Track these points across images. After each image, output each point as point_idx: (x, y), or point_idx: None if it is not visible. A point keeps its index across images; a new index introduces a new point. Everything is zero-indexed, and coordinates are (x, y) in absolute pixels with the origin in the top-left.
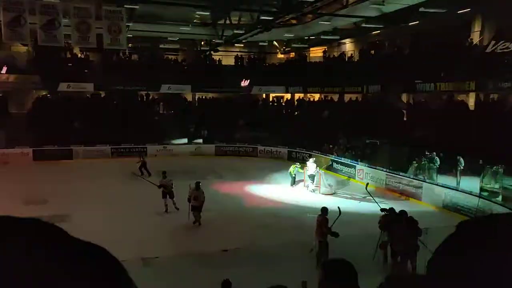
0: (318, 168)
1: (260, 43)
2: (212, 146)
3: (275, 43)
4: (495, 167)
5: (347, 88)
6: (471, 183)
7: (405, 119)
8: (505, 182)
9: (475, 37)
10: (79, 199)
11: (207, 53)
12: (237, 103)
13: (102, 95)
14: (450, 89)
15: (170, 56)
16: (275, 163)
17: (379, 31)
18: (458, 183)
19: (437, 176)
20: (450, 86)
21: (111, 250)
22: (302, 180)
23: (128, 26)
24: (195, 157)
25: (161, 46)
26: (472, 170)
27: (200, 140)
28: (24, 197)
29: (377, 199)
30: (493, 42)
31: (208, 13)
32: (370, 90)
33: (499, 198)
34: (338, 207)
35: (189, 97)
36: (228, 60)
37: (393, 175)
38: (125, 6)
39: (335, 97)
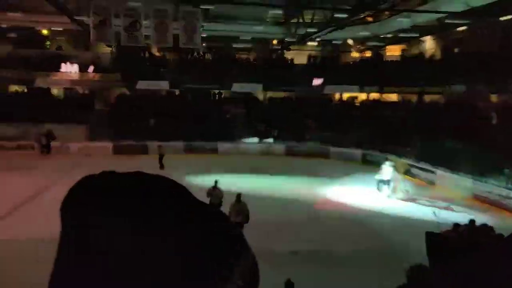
0: (395, 172)
1: (334, 42)
2: (282, 146)
3: (349, 41)
4: None
5: (427, 88)
6: None
7: (493, 122)
8: None
9: None
10: None
11: (279, 52)
12: (308, 103)
13: (177, 93)
14: None
15: (242, 55)
16: (348, 166)
17: (464, 27)
18: None
19: None
20: None
21: None
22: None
23: (202, 26)
24: (264, 157)
25: (234, 45)
26: None
27: (271, 140)
28: None
29: (461, 209)
30: None
31: (281, 12)
32: (453, 90)
33: None
34: (434, 212)
35: (261, 96)
36: (300, 59)
37: (482, 183)
38: (201, 6)
39: (414, 98)
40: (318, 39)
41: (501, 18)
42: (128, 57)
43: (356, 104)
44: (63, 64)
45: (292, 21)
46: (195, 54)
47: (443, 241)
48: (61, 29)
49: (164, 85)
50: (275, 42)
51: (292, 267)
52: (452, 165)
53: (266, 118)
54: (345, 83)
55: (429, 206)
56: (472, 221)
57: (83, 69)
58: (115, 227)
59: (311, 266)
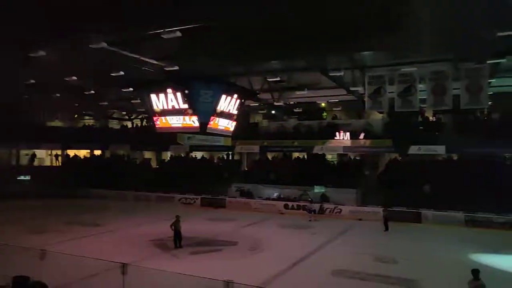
0: None
1: None
2: None
3: None
4: None
5: None
6: None
7: None
8: None
9: None
10: (427, 265)
11: None
12: None
13: (455, 158)
14: None
15: None
16: None
17: None
18: None
19: None
20: None
21: None
22: None
23: (489, 82)
24: None
25: None
26: None
27: None
28: (373, 254)
29: None
30: None
31: None
32: None
33: None
34: None
35: None
36: None
37: None
38: (488, 61)
39: None
40: None
41: None
42: (400, 122)
43: None
44: (337, 133)
45: None
46: (478, 114)
47: None
48: (336, 100)
49: (440, 149)
50: None
51: None
52: None
53: None
54: None
55: None
56: None
57: (355, 136)
58: None
59: None
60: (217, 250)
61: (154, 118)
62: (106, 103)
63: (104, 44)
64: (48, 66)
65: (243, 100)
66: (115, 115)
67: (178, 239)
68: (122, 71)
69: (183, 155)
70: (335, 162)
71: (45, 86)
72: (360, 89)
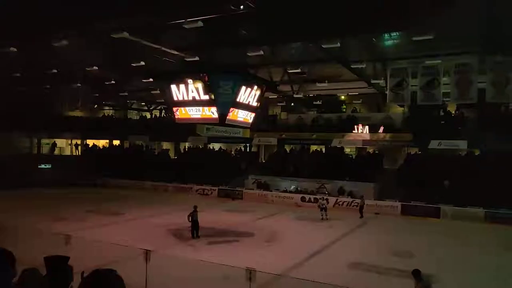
0: None
1: None
2: None
3: None
4: None
5: None
6: None
7: None
8: None
9: None
10: (445, 260)
11: None
12: None
13: (476, 153)
14: None
15: None
16: None
17: None
18: None
19: None
20: None
21: None
22: None
23: None
24: None
25: None
26: None
27: None
28: (390, 248)
29: None
30: None
31: None
32: None
33: None
34: None
35: None
36: None
37: None
38: None
39: None
40: None
41: None
42: (421, 116)
43: None
44: (355, 126)
45: None
46: (502, 108)
47: None
48: (357, 93)
49: (461, 144)
50: None
51: None
52: None
53: None
54: None
55: None
56: None
57: (374, 129)
58: None
59: None
60: (233, 241)
61: (174, 109)
62: (126, 93)
63: (126, 34)
64: (70, 55)
65: (263, 92)
66: (134, 106)
67: (195, 229)
68: (143, 61)
69: (201, 146)
70: (353, 156)
71: (66, 76)
72: (381, 81)
